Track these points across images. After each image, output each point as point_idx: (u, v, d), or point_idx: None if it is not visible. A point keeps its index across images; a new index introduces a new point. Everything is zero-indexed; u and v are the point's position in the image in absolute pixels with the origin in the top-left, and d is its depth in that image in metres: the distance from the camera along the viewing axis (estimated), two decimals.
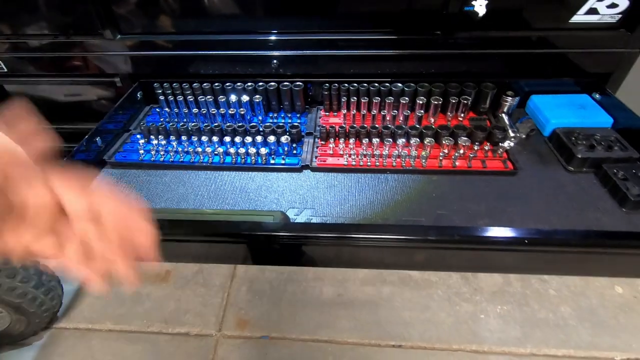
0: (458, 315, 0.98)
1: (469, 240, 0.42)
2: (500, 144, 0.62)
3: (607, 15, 0.63)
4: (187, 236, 0.46)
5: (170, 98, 0.74)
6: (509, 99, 0.69)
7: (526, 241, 0.40)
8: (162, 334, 0.94)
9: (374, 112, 0.69)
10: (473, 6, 0.62)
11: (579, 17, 0.64)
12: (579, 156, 0.59)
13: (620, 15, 0.63)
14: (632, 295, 1.01)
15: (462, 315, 0.98)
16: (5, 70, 0.79)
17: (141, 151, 0.66)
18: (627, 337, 0.92)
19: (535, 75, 0.72)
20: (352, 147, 0.65)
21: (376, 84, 0.71)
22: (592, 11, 0.63)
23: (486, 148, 0.63)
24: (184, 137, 0.68)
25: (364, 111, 0.70)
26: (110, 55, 0.74)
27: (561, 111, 0.67)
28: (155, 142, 0.68)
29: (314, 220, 0.54)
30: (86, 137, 0.64)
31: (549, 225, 0.51)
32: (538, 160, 0.63)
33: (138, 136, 0.69)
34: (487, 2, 0.61)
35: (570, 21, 0.64)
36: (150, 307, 1.00)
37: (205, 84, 0.74)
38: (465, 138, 0.63)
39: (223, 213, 0.50)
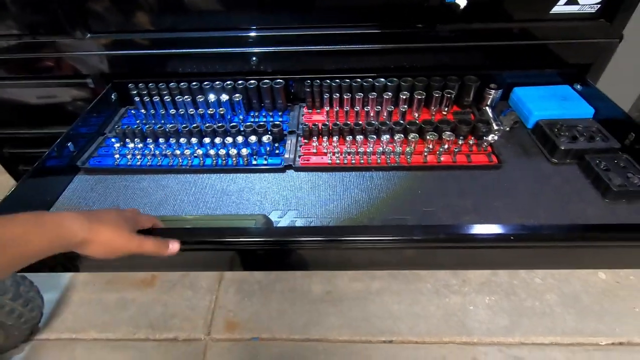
0: (447, 308, 0.99)
1: (454, 239, 0.41)
2: (484, 138, 0.62)
3: (586, 5, 0.63)
4: None
5: (146, 99, 0.71)
6: (492, 91, 0.69)
7: (512, 237, 0.40)
8: (149, 340, 0.92)
9: (357, 108, 0.68)
10: None
11: (559, 8, 0.63)
12: (562, 148, 0.59)
13: (599, 5, 0.63)
14: (614, 280, 1.03)
15: (451, 307, 0.99)
16: None
17: (117, 155, 0.64)
18: (611, 322, 0.94)
19: (518, 67, 0.72)
20: (335, 145, 0.64)
21: (359, 80, 0.70)
22: (572, 1, 0.63)
23: (470, 142, 0.63)
24: (161, 140, 0.65)
25: (347, 107, 0.69)
26: (81, 55, 0.71)
27: (544, 103, 0.67)
28: (131, 145, 0.65)
29: (298, 222, 0.52)
30: (57, 141, 0.61)
31: (535, 219, 0.51)
32: (522, 152, 0.63)
33: (113, 140, 0.66)
34: None
35: (550, 12, 0.64)
36: (135, 313, 0.97)
37: (182, 84, 0.71)
38: (450, 132, 0.62)
39: (203, 219, 0.48)
